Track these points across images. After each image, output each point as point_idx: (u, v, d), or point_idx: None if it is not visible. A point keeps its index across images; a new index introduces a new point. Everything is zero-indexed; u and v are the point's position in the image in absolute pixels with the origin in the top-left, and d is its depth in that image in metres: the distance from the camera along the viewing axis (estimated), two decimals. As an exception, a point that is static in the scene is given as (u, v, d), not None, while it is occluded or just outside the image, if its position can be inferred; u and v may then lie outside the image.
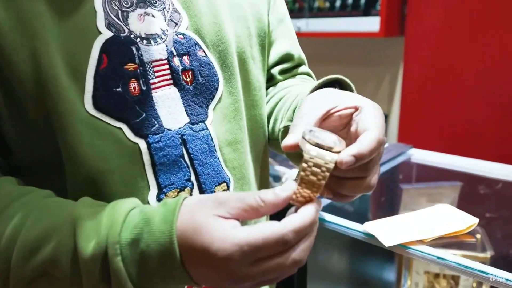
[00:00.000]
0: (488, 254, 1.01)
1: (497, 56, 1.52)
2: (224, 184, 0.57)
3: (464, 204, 1.04)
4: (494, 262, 0.97)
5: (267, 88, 0.70)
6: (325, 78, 0.57)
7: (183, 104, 0.53)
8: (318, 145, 0.41)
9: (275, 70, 0.71)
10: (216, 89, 0.57)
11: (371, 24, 1.76)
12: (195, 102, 0.54)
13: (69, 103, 0.46)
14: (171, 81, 0.53)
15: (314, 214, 0.40)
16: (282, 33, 0.70)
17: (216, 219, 0.39)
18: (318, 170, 0.40)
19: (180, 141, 0.52)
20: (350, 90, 0.58)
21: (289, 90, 0.66)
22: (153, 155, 0.50)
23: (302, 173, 0.41)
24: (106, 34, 0.48)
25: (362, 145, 0.42)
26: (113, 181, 0.49)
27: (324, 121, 0.48)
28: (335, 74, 0.70)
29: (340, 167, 0.40)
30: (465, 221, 0.79)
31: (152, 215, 0.41)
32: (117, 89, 0.48)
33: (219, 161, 0.56)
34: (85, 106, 0.47)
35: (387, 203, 1.19)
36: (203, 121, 0.55)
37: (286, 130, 0.59)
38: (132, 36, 0.50)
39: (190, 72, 0.54)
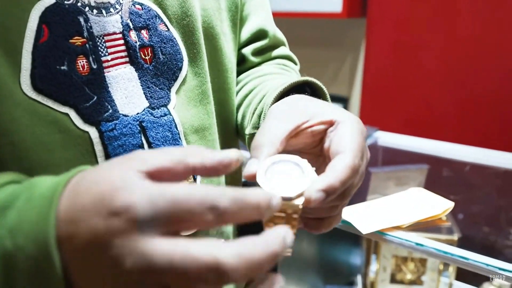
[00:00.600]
0: (456, 236, 1.00)
1: (460, 39, 1.52)
2: (190, 176, 0.50)
3: (431, 187, 1.03)
4: (461, 244, 0.97)
5: (239, 73, 0.63)
6: (292, 81, 0.49)
7: (142, 85, 0.46)
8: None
9: (247, 50, 0.63)
10: (180, 69, 0.50)
11: (332, 4, 1.72)
12: (155, 84, 0.47)
13: (1, 83, 0.38)
14: (127, 59, 0.45)
15: (268, 196, 0.29)
16: (255, 7, 0.63)
17: (121, 168, 0.28)
18: (281, 223, 0.34)
19: (139, 128, 0.45)
20: (323, 94, 0.51)
21: (262, 80, 0.58)
22: (107, 146, 0.43)
23: (266, 227, 0.35)
24: (46, 0, 0.40)
25: (333, 175, 0.35)
26: None
27: (294, 138, 0.41)
28: (295, 56, 0.64)
29: (308, 206, 0.34)
30: (441, 205, 0.77)
31: (33, 185, 0.30)
32: (62, 67, 0.41)
33: None
34: (21, 87, 0.39)
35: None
36: (165, 106, 0.48)
37: (252, 137, 0.52)
38: (79, 4, 0.42)
39: (149, 49, 0.47)
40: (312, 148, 0.42)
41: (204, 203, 0.26)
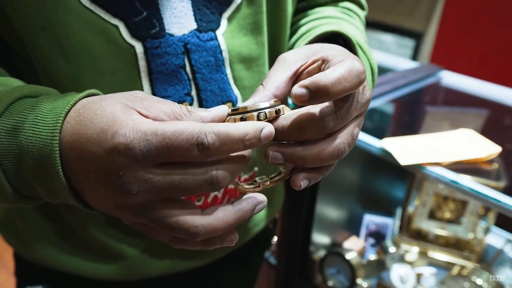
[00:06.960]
0: (502, 183, 1.01)
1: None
2: (230, 103, 0.50)
3: (487, 132, 1.02)
4: (507, 192, 0.97)
5: (304, 8, 0.60)
6: (320, 31, 0.47)
7: (192, 7, 0.45)
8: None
9: None
10: None
11: None
12: (206, 7, 0.46)
13: None
14: None
15: (251, 129, 0.31)
16: None
17: (125, 108, 0.31)
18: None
19: (183, 49, 0.46)
20: (352, 44, 0.47)
21: (318, 23, 0.54)
22: (150, 62, 0.44)
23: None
24: None
25: (321, 74, 0.31)
26: (101, 83, 0.44)
27: (295, 82, 0.39)
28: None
29: (296, 101, 0.32)
30: (487, 149, 0.78)
31: (43, 101, 0.34)
32: None
33: (227, 78, 0.49)
34: None
35: (409, 123, 1.17)
36: (213, 30, 0.47)
37: None
38: None
39: None
40: None
41: (191, 141, 0.29)
